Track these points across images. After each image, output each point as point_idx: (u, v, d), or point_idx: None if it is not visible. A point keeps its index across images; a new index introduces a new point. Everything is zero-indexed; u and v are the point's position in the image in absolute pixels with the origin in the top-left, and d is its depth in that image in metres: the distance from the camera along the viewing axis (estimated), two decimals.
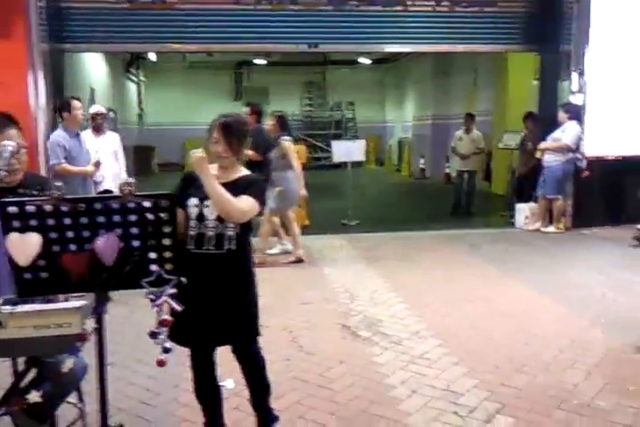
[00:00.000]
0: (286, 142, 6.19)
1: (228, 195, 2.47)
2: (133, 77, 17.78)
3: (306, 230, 8.02)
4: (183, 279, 2.05)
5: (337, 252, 6.94)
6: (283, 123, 6.39)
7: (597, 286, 5.33)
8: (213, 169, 2.59)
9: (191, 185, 2.60)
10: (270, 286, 5.43)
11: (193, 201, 2.58)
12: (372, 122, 20.66)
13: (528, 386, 3.44)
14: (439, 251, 6.92)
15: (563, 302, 4.92)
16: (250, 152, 5.71)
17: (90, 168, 5.35)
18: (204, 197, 2.55)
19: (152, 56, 16.51)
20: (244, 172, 2.70)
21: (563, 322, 4.49)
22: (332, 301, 5.04)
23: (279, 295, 5.16)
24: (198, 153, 2.46)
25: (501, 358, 3.82)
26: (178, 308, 2.01)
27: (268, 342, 3.95)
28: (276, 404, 3.05)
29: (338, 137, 18.10)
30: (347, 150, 8.97)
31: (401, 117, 19.13)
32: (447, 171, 13.23)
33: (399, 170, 17.58)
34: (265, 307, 4.69)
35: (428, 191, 13.11)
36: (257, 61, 18.75)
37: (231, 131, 2.58)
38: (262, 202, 2.65)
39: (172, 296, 2.01)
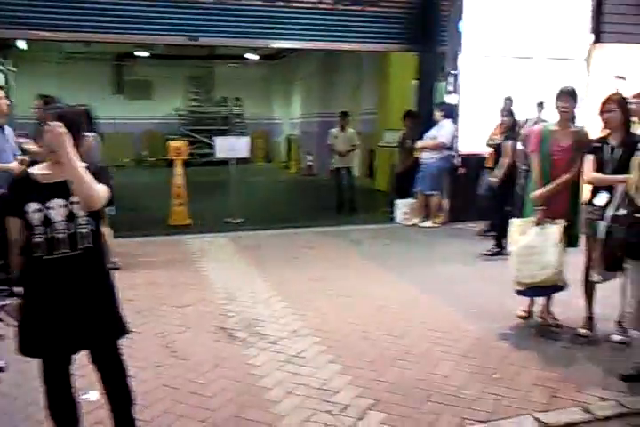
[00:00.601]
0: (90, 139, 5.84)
1: (89, 176, 2.28)
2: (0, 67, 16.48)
3: (187, 230, 7.81)
4: (18, 289, 1.85)
5: (218, 251, 6.78)
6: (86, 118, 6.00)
7: (469, 278, 5.56)
8: (43, 169, 2.39)
9: (27, 189, 2.37)
10: (145, 289, 5.20)
11: (33, 206, 2.35)
12: (260, 118, 20.54)
13: (400, 380, 3.50)
14: (322, 247, 6.95)
15: (437, 295, 5.08)
16: None
17: (12, 165, 4.86)
18: (45, 200, 2.33)
19: (21, 44, 15.36)
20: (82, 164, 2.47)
21: (436, 314, 4.63)
22: (209, 302, 4.89)
23: (154, 298, 4.94)
24: (59, 127, 2.22)
25: (376, 354, 3.86)
26: (12, 322, 1.82)
27: (138, 349, 3.79)
28: (142, 414, 2.89)
29: (225, 133, 17.81)
30: (231, 146, 8.80)
31: (289, 114, 19.17)
32: (332, 167, 13.39)
33: (287, 167, 17.61)
34: (138, 311, 4.57)
35: (315, 188, 13.20)
36: (138, 53, 18.00)
37: (69, 122, 2.32)
38: (111, 189, 2.47)
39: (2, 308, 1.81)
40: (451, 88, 8.28)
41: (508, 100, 7.22)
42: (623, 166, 3.85)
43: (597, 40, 8.60)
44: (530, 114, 8.12)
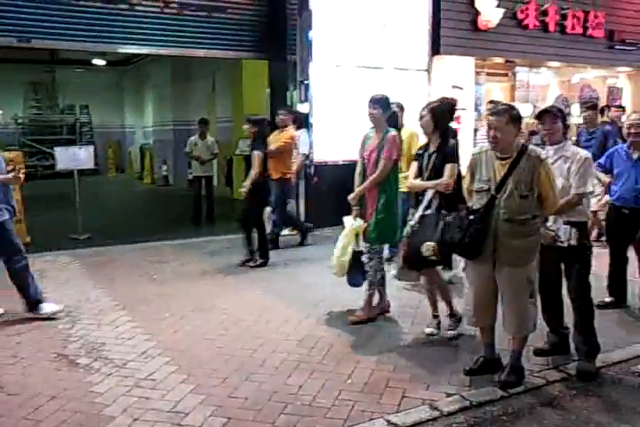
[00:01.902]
0: None
1: None
2: None
3: (27, 248, 7.15)
4: None
5: (61, 271, 6.26)
6: None
7: (326, 285, 5.61)
8: None
9: None
10: None
11: None
12: (110, 127, 19.54)
13: (255, 394, 3.41)
14: (177, 261, 6.69)
15: (293, 304, 5.06)
16: None
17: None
18: None
19: None
20: None
21: (291, 324, 4.60)
22: (48, 328, 4.48)
23: None
24: None
25: (230, 369, 3.74)
26: None
27: None
28: None
29: (73, 142, 16.72)
30: (73, 157, 8.22)
31: (142, 122, 18.42)
32: (190, 177, 13.04)
33: (141, 177, 16.89)
34: None
35: (171, 199, 12.76)
36: None
37: None
38: None
39: None
40: (302, 97, 8.37)
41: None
42: (437, 172, 4.09)
43: (436, 52, 9.14)
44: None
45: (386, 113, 4.57)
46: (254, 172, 6.35)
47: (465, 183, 3.67)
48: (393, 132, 4.55)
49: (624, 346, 4.15)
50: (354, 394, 3.42)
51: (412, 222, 4.07)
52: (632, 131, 4.67)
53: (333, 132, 8.40)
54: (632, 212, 4.70)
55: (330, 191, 8.13)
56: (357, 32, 8.56)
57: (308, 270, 6.22)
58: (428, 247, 3.73)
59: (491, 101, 6.64)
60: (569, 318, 3.96)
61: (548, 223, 3.66)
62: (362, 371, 3.74)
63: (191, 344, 4.16)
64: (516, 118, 3.41)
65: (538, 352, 3.98)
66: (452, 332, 4.32)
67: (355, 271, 4.72)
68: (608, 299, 4.94)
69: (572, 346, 3.92)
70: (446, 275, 4.86)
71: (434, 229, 3.75)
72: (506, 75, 10.80)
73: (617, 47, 10.87)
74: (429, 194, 4.10)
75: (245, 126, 6.61)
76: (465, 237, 3.47)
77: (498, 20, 9.35)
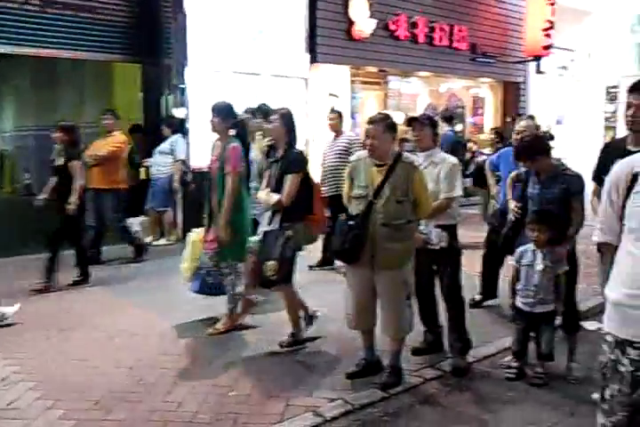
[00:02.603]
0: None
1: None
2: None
3: None
4: None
5: None
6: None
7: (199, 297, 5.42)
8: None
9: None
10: None
11: None
12: None
13: (132, 415, 3.23)
14: (40, 276, 6.18)
15: (169, 318, 4.84)
16: None
17: None
18: None
19: None
20: None
21: (169, 339, 4.42)
22: None
23: None
24: None
25: (104, 391, 3.51)
26: None
27: None
28: None
29: None
30: None
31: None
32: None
33: (1, 186, 15.60)
34: None
35: (32, 209, 11.86)
36: None
37: None
38: None
39: None
40: (178, 102, 8.15)
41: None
42: (278, 182, 3.99)
43: (313, 60, 9.28)
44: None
45: (227, 122, 4.47)
46: (79, 184, 5.81)
47: (345, 190, 3.74)
48: (234, 143, 4.42)
49: (492, 341, 4.40)
50: (236, 407, 3.34)
51: (256, 238, 4.02)
52: (517, 137, 4.90)
53: (211, 137, 8.23)
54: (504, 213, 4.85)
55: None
56: (235, 37, 8.49)
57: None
58: (270, 267, 3.79)
59: (332, 110, 6.74)
60: (443, 316, 4.14)
61: (421, 227, 3.80)
62: (244, 382, 3.67)
63: (59, 367, 3.86)
64: (391, 127, 3.52)
65: (415, 351, 4.12)
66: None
67: (198, 278, 4.65)
68: (478, 297, 5.19)
69: (446, 344, 4.10)
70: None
71: (274, 246, 3.81)
72: (379, 83, 11.19)
73: (479, 59, 11.63)
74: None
75: (56, 134, 5.95)
76: (345, 243, 3.52)
77: (371, 30, 9.67)
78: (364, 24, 9.56)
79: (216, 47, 8.31)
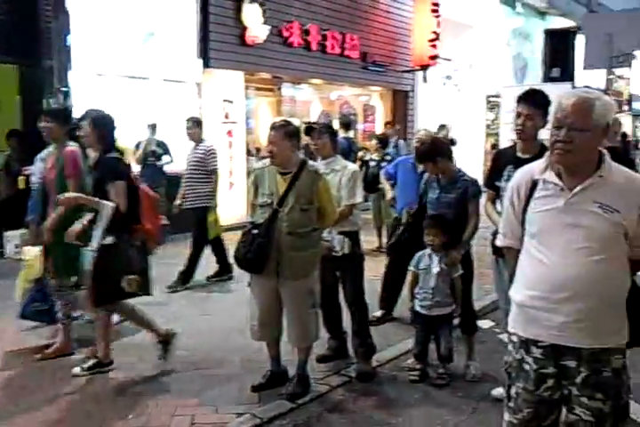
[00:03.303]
0: None
1: None
2: None
3: None
4: None
5: None
6: None
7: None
8: None
9: None
10: None
11: None
12: None
13: None
14: None
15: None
16: None
17: None
18: None
19: None
20: None
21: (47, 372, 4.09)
22: None
23: None
24: None
25: None
26: None
27: None
28: None
29: None
30: None
31: None
32: None
33: None
34: None
35: None
36: None
37: None
38: None
39: None
40: (61, 106, 7.66)
41: None
42: (96, 191, 3.73)
43: (206, 65, 9.08)
44: (142, 135, 8.11)
45: (64, 126, 4.22)
46: None
47: (249, 198, 3.66)
48: (70, 146, 4.15)
49: (394, 344, 4.48)
50: None
51: (89, 251, 3.73)
52: (418, 146, 4.94)
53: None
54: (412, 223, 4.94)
55: None
56: (123, 39, 8.13)
57: None
58: (129, 281, 3.65)
59: (189, 119, 6.44)
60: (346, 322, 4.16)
61: (324, 234, 3.79)
62: (145, 402, 3.48)
63: None
64: (292, 133, 3.48)
65: (321, 359, 4.10)
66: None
67: (30, 302, 4.32)
68: (379, 313, 5.00)
69: (351, 349, 4.11)
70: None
71: (122, 260, 3.67)
72: (272, 90, 11.17)
73: (369, 68, 11.93)
74: (104, 216, 3.68)
75: None
76: (248, 252, 3.44)
77: (264, 36, 9.62)
78: (258, 30, 9.50)
79: (103, 49, 7.91)
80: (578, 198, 2.04)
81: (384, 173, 5.88)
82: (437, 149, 3.99)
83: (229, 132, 9.50)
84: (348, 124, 9.09)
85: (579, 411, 2.05)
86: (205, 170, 6.09)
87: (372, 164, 7.88)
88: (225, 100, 9.42)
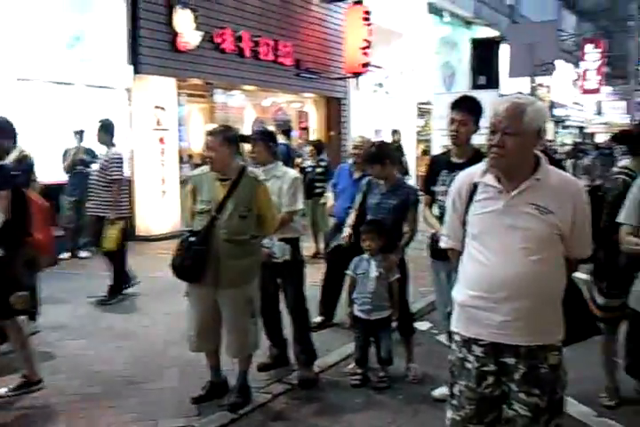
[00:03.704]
0: None
1: None
2: None
3: None
4: None
5: None
6: None
7: None
8: None
9: None
10: None
11: None
12: None
13: None
14: None
15: None
16: None
17: None
18: None
19: None
20: None
21: None
22: None
23: None
24: None
25: None
26: None
27: None
28: None
29: None
30: None
31: None
32: None
33: None
34: None
35: None
36: None
37: None
38: None
39: None
40: None
41: None
42: None
43: (137, 71, 8.86)
44: (69, 143, 7.81)
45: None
46: None
47: (186, 205, 3.59)
48: None
49: (335, 349, 4.48)
50: None
51: None
52: (353, 152, 5.05)
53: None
54: (341, 226, 4.78)
55: None
56: (47, 43, 7.82)
57: None
58: (18, 300, 3.50)
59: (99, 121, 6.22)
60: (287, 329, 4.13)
61: (264, 241, 3.76)
62: (76, 423, 3.33)
63: None
64: (231, 139, 3.44)
65: (261, 367, 4.05)
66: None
67: None
68: (318, 318, 4.99)
69: (292, 356, 4.09)
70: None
71: (11, 275, 3.50)
72: (204, 96, 11.03)
73: (303, 75, 11.98)
74: None
75: None
76: (185, 260, 3.37)
77: (197, 42, 9.49)
78: (190, 36, 9.36)
79: (24, 53, 7.57)
80: (516, 201, 2.11)
81: (330, 185, 5.92)
82: (387, 153, 4.03)
83: (161, 140, 9.30)
84: (287, 131, 9.12)
85: (517, 407, 2.12)
86: (108, 178, 5.77)
87: (309, 169, 7.92)
88: (156, 107, 9.22)
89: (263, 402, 3.64)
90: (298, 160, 8.30)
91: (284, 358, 4.16)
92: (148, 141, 9.10)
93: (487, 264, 2.12)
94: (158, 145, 9.23)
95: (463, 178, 2.30)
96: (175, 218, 8.96)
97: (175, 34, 9.17)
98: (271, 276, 3.88)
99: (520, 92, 2.34)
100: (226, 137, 3.41)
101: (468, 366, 2.18)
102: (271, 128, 10.66)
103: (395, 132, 10.14)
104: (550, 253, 2.10)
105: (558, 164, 4.07)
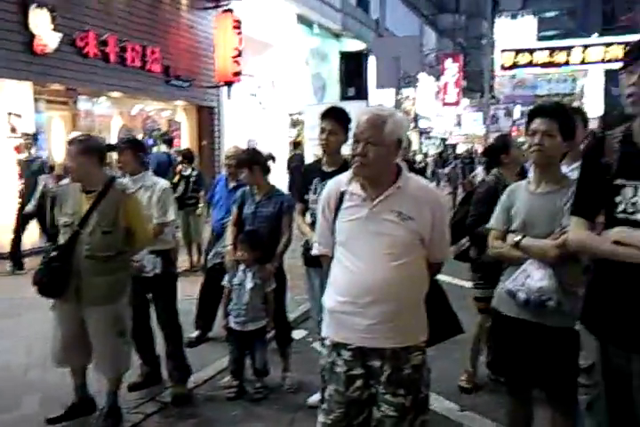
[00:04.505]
0: None
1: None
2: None
3: None
4: None
5: None
6: None
7: None
8: None
9: None
10: None
11: None
12: None
13: None
14: None
15: None
16: None
17: None
18: None
19: None
20: None
21: None
22: None
23: None
24: None
25: None
26: None
27: None
28: None
29: None
30: None
31: None
32: None
33: None
34: None
35: None
36: None
37: None
38: None
39: None
40: None
41: None
42: None
43: None
44: None
45: None
46: None
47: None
48: None
49: (211, 363, 4.38)
50: None
51: None
52: (227, 162, 5.03)
53: None
54: (219, 237, 4.77)
55: None
56: None
57: None
58: None
59: None
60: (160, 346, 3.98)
61: None
62: None
63: None
64: (91, 149, 3.26)
65: (132, 386, 3.87)
66: None
67: None
68: (195, 333, 4.87)
69: (166, 373, 3.94)
70: None
71: None
72: (67, 103, 10.41)
73: (172, 82, 11.69)
74: None
75: None
76: (44, 277, 3.15)
77: (56, 45, 8.92)
78: (48, 38, 8.78)
79: None
80: (379, 208, 2.19)
81: (208, 197, 5.83)
82: (255, 159, 4.04)
83: (17, 148, 8.64)
84: (170, 141, 8.94)
85: (384, 408, 2.19)
86: None
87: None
88: (10, 114, 8.57)
89: (135, 423, 3.48)
90: (179, 168, 8.07)
91: (157, 375, 3.99)
92: (0, 150, 8.43)
93: (354, 270, 2.18)
94: (14, 154, 8.57)
95: (331, 186, 2.36)
96: (34, 233, 8.34)
97: (31, 35, 8.56)
98: (141, 290, 3.72)
99: (380, 105, 2.44)
100: (87, 146, 3.23)
101: (338, 370, 2.22)
102: (140, 136, 10.35)
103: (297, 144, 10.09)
104: (413, 258, 2.20)
105: (419, 172, 4.30)
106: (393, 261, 2.15)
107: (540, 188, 2.60)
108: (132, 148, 3.86)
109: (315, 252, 2.46)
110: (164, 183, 3.88)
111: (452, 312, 2.82)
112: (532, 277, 2.46)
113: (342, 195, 2.27)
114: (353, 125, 2.29)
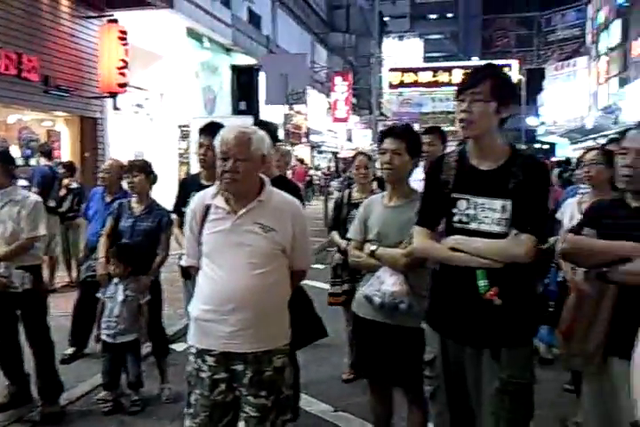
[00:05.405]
0: None
1: None
2: None
3: None
4: None
5: None
6: None
7: None
8: None
9: None
10: None
11: None
12: None
13: None
14: None
15: None
16: None
17: None
18: None
19: None
20: None
21: None
22: None
23: None
24: None
25: None
26: None
27: None
28: None
29: None
30: None
31: None
32: None
33: None
34: None
35: None
36: None
37: None
38: None
39: None
40: None
41: None
42: None
43: None
44: None
45: None
46: None
47: None
48: None
49: (86, 379, 4.29)
50: None
51: None
52: (102, 175, 4.93)
53: None
54: (93, 250, 4.63)
55: None
56: None
57: None
58: None
59: None
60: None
61: (0, 270, 3.49)
62: None
63: None
64: None
65: None
66: None
67: None
68: (70, 350, 4.73)
69: (36, 392, 3.83)
70: None
71: None
72: None
73: (52, 92, 11.24)
74: None
75: None
76: None
77: None
78: None
79: None
80: (242, 220, 2.32)
81: (83, 210, 5.67)
82: (141, 166, 4.13)
83: None
84: (48, 153, 8.55)
85: (247, 409, 2.32)
86: None
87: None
88: None
89: None
90: (66, 181, 7.76)
91: (26, 395, 3.87)
92: None
93: (217, 280, 2.30)
94: None
95: (197, 200, 2.47)
96: None
97: None
98: (8, 307, 3.62)
99: (262, 120, 2.59)
100: None
101: (203, 375, 2.33)
102: (15, 148, 9.90)
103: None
104: (274, 267, 2.35)
105: (294, 187, 4.52)
106: (254, 270, 2.29)
107: (392, 201, 2.86)
108: (1, 160, 3.75)
109: (183, 263, 2.56)
110: (34, 197, 3.79)
111: (316, 317, 3.01)
112: (386, 283, 2.69)
113: (208, 208, 2.39)
114: (216, 142, 2.40)
